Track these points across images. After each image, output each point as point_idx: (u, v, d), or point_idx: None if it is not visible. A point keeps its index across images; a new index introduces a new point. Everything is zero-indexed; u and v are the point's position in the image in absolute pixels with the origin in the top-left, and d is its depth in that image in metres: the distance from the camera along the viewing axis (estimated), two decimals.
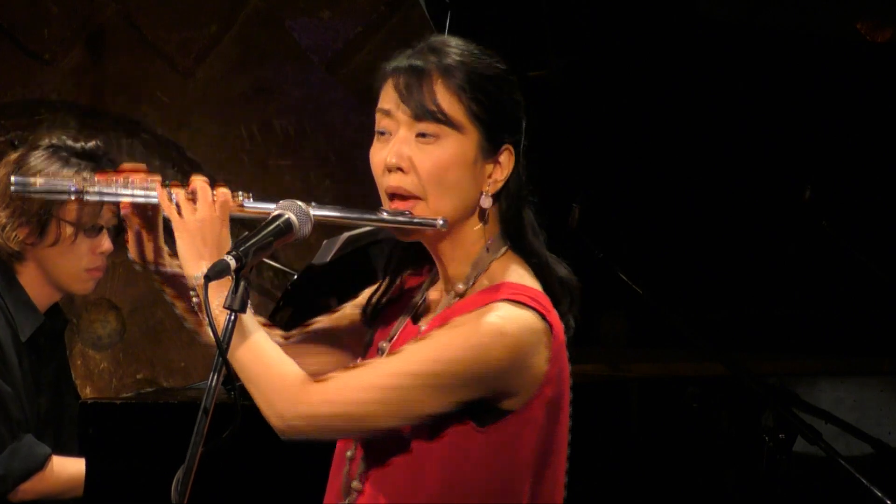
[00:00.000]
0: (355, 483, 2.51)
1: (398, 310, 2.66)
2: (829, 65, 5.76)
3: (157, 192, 2.53)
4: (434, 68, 2.50)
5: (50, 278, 3.75)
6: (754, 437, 5.12)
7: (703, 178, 5.79)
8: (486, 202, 2.52)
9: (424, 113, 2.48)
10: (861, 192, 5.87)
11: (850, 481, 4.49)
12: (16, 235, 3.68)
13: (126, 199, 2.56)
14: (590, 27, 5.61)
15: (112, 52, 6.16)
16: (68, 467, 3.73)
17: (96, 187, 2.56)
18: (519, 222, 2.55)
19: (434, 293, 2.62)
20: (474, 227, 2.54)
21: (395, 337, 2.60)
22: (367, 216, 2.51)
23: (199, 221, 2.49)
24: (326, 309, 4.52)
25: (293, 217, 2.46)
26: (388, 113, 2.51)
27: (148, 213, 2.61)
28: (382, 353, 2.58)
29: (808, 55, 5.74)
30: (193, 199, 2.51)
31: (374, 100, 2.56)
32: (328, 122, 6.16)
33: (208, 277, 2.36)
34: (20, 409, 3.67)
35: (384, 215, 2.51)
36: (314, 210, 2.48)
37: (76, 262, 3.75)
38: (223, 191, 2.52)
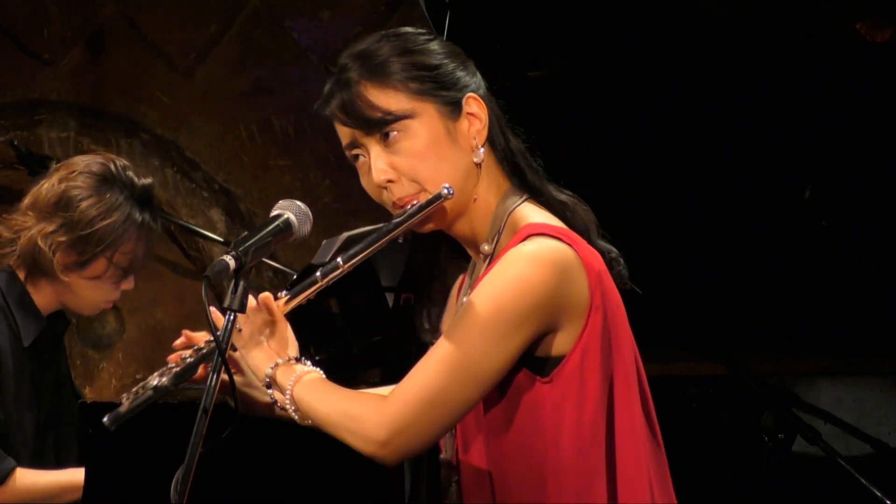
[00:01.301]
0: (453, 476, 2.55)
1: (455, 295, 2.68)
2: (829, 65, 5.76)
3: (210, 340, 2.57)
4: (358, 77, 2.51)
5: (64, 298, 3.74)
6: (754, 437, 5.12)
7: (703, 177, 5.79)
8: (479, 156, 2.53)
9: (373, 122, 2.50)
10: (861, 192, 5.87)
11: (850, 481, 4.49)
12: (56, 255, 3.65)
13: (199, 369, 2.60)
14: (590, 27, 5.61)
15: (112, 52, 6.16)
16: (39, 480, 3.69)
17: (172, 371, 2.61)
18: (513, 159, 2.56)
19: (474, 274, 2.63)
20: (480, 187, 2.55)
21: None
22: (385, 231, 2.52)
23: (251, 330, 2.53)
24: (326, 309, 4.53)
25: (292, 217, 2.47)
26: (350, 145, 2.56)
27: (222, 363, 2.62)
28: None
29: (808, 55, 5.74)
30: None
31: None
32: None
33: (207, 278, 2.36)
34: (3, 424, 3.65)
35: (397, 220, 2.52)
36: (341, 258, 2.50)
37: (99, 296, 3.74)
38: (262, 295, 2.55)
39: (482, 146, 2.53)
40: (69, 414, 3.85)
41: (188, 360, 2.61)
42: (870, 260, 5.50)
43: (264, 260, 3.91)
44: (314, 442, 3.52)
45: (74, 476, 3.70)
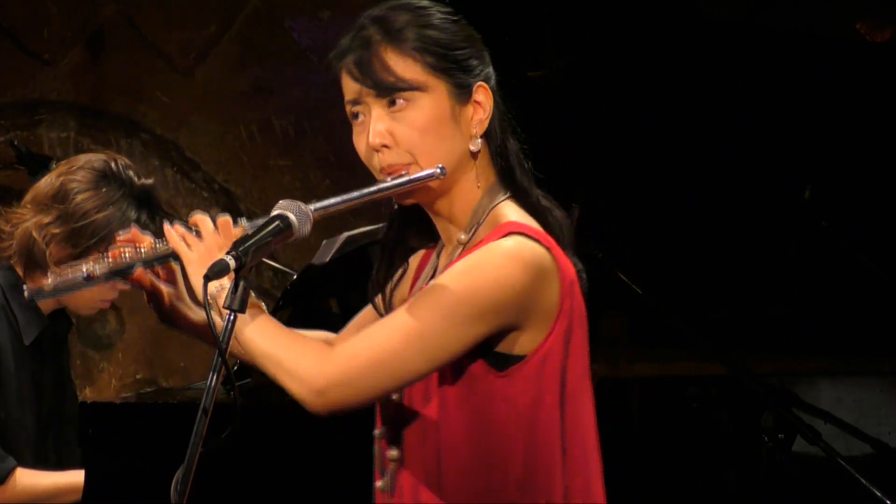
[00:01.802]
0: (392, 453, 2.52)
1: (413, 285, 2.66)
2: (829, 65, 5.77)
3: (167, 235, 2.56)
4: (379, 39, 2.49)
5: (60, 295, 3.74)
6: (754, 437, 5.12)
7: (703, 177, 5.79)
8: (476, 145, 2.53)
9: (385, 86, 2.49)
10: (861, 191, 5.87)
11: (850, 481, 4.49)
12: (50, 247, 3.64)
13: (139, 267, 2.62)
14: (590, 27, 5.61)
15: (112, 52, 6.16)
16: (40, 481, 3.68)
17: (108, 263, 2.63)
18: (506, 156, 2.55)
19: (444, 259, 2.62)
20: (469, 175, 2.54)
21: None
22: (367, 191, 2.51)
23: (205, 249, 2.51)
24: (326, 309, 4.54)
25: (292, 216, 2.46)
26: (354, 101, 2.52)
27: (164, 270, 2.66)
28: None
29: (808, 55, 5.74)
30: (197, 232, 2.54)
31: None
32: (328, 122, 6.16)
33: (207, 277, 2.36)
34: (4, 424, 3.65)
35: (383, 184, 2.50)
36: (314, 205, 2.49)
37: (96, 294, 3.73)
38: (222, 217, 2.53)
39: (481, 136, 2.53)
40: (71, 413, 3.85)
41: (127, 256, 2.62)
42: (870, 260, 5.50)
43: (264, 260, 3.91)
44: (311, 441, 3.53)
45: (75, 478, 3.69)
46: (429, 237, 2.66)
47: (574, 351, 2.49)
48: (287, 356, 2.43)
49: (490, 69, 2.55)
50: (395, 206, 2.61)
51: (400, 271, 2.68)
